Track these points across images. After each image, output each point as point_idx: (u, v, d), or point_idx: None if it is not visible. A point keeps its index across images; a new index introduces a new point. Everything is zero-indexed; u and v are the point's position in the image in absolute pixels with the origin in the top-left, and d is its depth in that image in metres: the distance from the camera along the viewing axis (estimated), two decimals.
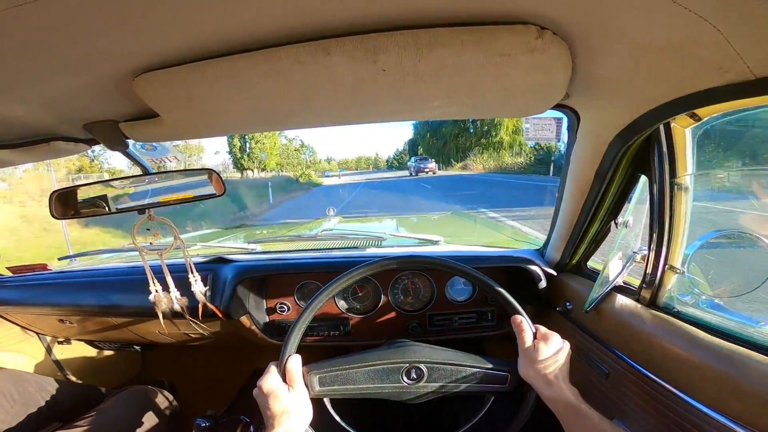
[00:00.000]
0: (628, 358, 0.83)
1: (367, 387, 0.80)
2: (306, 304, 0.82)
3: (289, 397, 0.70)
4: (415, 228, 2.32)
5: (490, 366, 0.81)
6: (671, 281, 0.81)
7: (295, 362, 0.74)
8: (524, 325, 0.79)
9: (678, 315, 0.77)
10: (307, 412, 0.72)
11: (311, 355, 0.86)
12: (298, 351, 0.80)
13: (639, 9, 0.44)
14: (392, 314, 1.31)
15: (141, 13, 0.44)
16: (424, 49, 0.54)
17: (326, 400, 0.84)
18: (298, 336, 0.79)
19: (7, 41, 0.45)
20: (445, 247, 1.51)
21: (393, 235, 1.70)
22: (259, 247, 1.55)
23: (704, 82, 0.52)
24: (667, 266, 0.79)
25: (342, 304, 1.32)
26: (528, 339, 0.77)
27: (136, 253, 1.59)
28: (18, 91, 0.64)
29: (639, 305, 0.85)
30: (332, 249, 1.53)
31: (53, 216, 0.96)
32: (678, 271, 0.79)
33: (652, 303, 0.83)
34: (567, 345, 0.78)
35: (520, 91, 0.64)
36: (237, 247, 1.58)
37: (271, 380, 0.71)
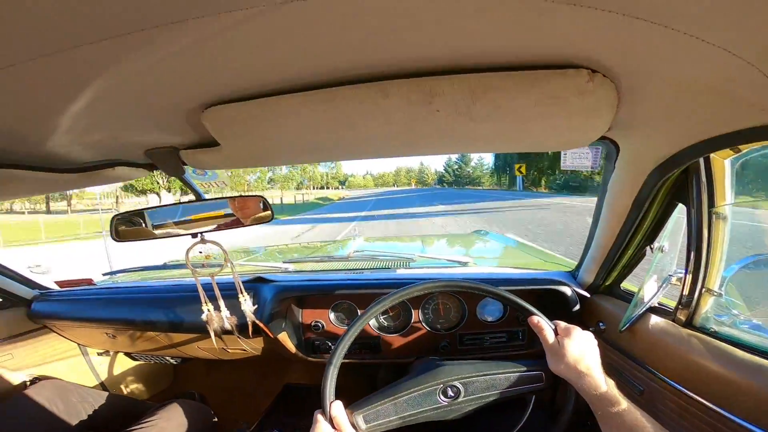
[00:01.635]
0: (663, 376, 0.84)
1: (409, 414, 0.81)
2: (336, 343, 0.84)
3: None
4: (442, 248, 2.35)
5: (522, 368, 0.82)
6: (708, 303, 0.83)
7: (338, 409, 0.76)
8: (542, 323, 0.80)
9: (715, 335, 0.79)
10: None
11: (344, 376, 0.88)
12: None
13: (681, 51, 0.45)
14: (423, 333, 1.33)
15: (215, 53, 0.47)
16: (478, 92, 0.56)
17: None
18: (334, 380, 0.81)
19: (85, 74, 0.48)
20: (475, 268, 1.53)
21: (422, 256, 1.72)
22: (292, 267, 1.60)
23: (745, 121, 0.54)
24: (704, 288, 0.81)
25: (373, 324, 1.34)
26: (550, 335, 0.79)
27: (177, 270, 1.67)
28: (91, 120, 0.67)
29: (675, 325, 0.87)
30: (363, 270, 1.56)
31: (113, 239, 1.02)
32: (715, 293, 0.81)
33: (689, 323, 0.84)
34: (590, 335, 0.79)
35: (565, 128, 0.67)
36: (273, 266, 1.63)
37: (322, 430, 0.73)
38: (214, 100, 0.63)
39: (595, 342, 0.79)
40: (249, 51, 0.48)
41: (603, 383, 0.71)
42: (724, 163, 0.72)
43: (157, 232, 1.02)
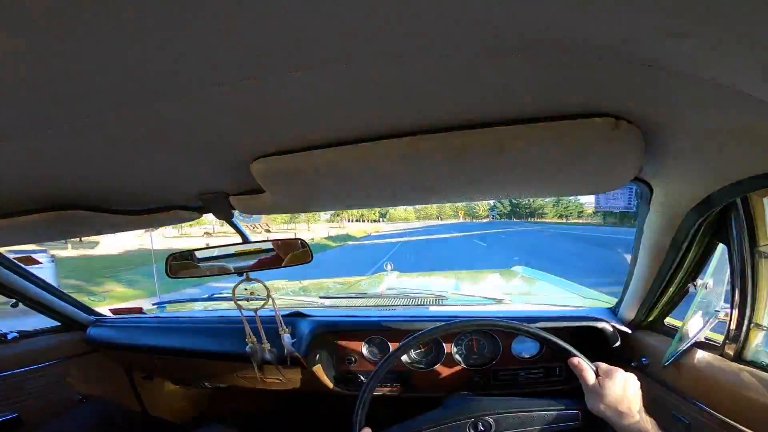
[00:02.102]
0: (710, 409, 0.81)
1: None
2: (369, 378, 0.86)
3: None
4: (474, 285, 2.34)
5: (559, 406, 0.81)
6: (758, 337, 0.80)
7: None
8: (583, 364, 0.79)
9: (766, 368, 0.76)
10: None
11: (376, 408, 0.89)
12: None
13: (703, 97, 0.46)
14: (455, 369, 1.32)
15: (263, 112, 0.52)
16: (506, 144, 0.58)
17: None
18: (365, 409, 0.82)
19: (154, 127, 0.54)
20: (510, 305, 1.52)
21: (455, 294, 1.72)
22: (328, 302, 1.64)
23: None
24: (752, 324, 0.79)
25: (405, 359, 1.35)
26: (590, 377, 0.78)
27: (221, 302, 1.76)
28: (155, 170, 0.75)
29: (723, 359, 0.84)
30: (396, 306, 1.58)
31: (168, 275, 1.11)
32: (764, 328, 0.78)
33: (738, 357, 0.82)
34: (632, 376, 0.77)
35: (593, 174, 0.68)
36: (310, 301, 1.68)
37: None
38: (261, 152, 0.68)
39: (638, 384, 0.77)
40: (292, 110, 0.53)
41: (644, 423, 0.70)
42: (763, 202, 0.71)
43: (206, 270, 1.10)
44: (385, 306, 1.59)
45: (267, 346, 1.16)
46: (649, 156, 0.65)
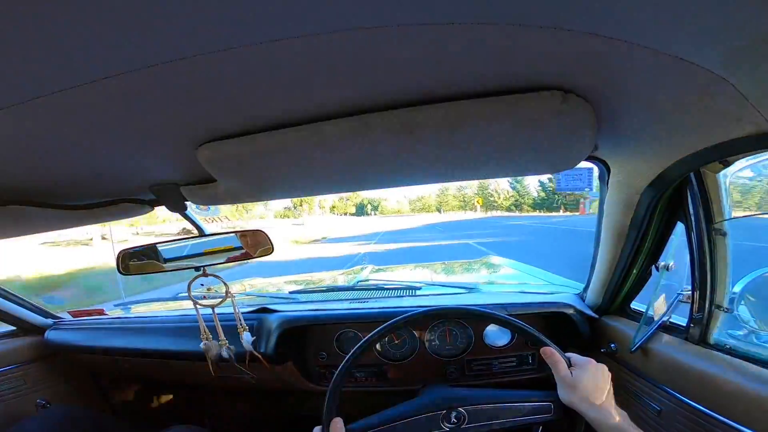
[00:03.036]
0: (680, 395, 0.81)
1: None
2: (339, 367, 0.84)
3: None
4: (448, 275, 2.33)
5: (531, 398, 0.80)
6: (719, 319, 0.81)
7: (338, 427, 0.76)
8: (556, 355, 0.78)
9: (730, 351, 0.77)
10: None
11: (351, 403, 0.87)
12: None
13: (652, 68, 0.46)
14: (429, 360, 1.30)
15: (205, 93, 0.50)
16: (456, 121, 0.57)
17: None
18: (336, 398, 0.81)
19: (89, 111, 0.52)
20: (482, 294, 1.51)
21: (428, 284, 1.71)
22: (299, 297, 1.60)
23: (725, 133, 0.54)
24: (714, 305, 0.79)
25: (379, 351, 1.33)
26: (562, 367, 0.77)
27: (185, 301, 1.70)
28: (95, 159, 0.71)
29: (688, 343, 0.85)
30: (369, 299, 1.56)
31: (119, 272, 1.05)
32: (725, 309, 0.79)
33: (702, 340, 0.82)
34: (604, 366, 0.77)
35: (549, 151, 0.67)
36: (279, 297, 1.64)
37: None
38: (207, 137, 0.65)
39: (609, 375, 0.77)
40: (236, 91, 0.50)
41: (615, 415, 0.70)
42: (716, 178, 0.71)
43: (160, 266, 1.05)
44: (358, 299, 1.56)
45: (225, 343, 1.12)
46: (603, 133, 0.66)
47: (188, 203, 1.01)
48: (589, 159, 0.83)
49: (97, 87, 0.45)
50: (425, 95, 0.56)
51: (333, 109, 0.59)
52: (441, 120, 0.58)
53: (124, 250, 1.06)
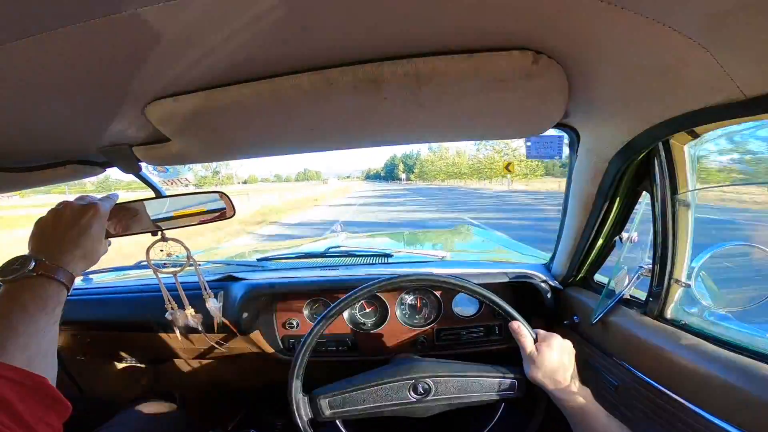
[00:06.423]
0: (636, 370, 0.83)
1: (376, 406, 0.81)
2: (304, 337, 0.86)
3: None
4: (421, 244, 2.33)
5: (498, 374, 0.81)
6: (677, 294, 0.81)
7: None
8: (523, 330, 0.79)
9: (685, 327, 0.77)
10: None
11: (321, 372, 0.87)
12: (309, 368, 0.83)
13: (627, 32, 0.45)
14: (400, 330, 1.31)
15: (152, 46, 0.46)
16: (424, 77, 0.55)
17: (338, 422, 0.86)
18: (302, 370, 0.83)
19: (26, 68, 0.48)
20: (450, 263, 1.52)
21: (400, 251, 1.70)
22: (267, 264, 1.57)
23: (697, 101, 0.53)
24: (672, 279, 0.80)
25: (349, 320, 1.33)
26: (529, 343, 0.78)
27: (148, 269, 1.63)
28: (37, 115, 0.66)
29: (646, 317, 0.85)
30: (340, 266, 1.54)
31: None
32: (683, 284, 0.79)
33: (660, 315, 0.83)
34: (569, 344, 0.78)
35: (519, 114, 0.66)
36: (246, 264, 1.60)
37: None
38: (155, 94, 0.61)
39: (573, 352, 0.78)
40: (183, 42, 0.46)
41: (579, 393, 0.71)
42: (684, 149, 0.70)
43: (113, 228, 0.98)
44: (329, 266, 1.54)
45: (191, 311, 1.08)
46: (574, 99, 0.64)
47: (143, 164, 0.95)
48: (558, 126, 0.82)
49: (31, 43, 0.41)
50: (390, 50, 0.52)
51: (291, 64, 0.55)
52: (407, 76, 0.55)
53: None
